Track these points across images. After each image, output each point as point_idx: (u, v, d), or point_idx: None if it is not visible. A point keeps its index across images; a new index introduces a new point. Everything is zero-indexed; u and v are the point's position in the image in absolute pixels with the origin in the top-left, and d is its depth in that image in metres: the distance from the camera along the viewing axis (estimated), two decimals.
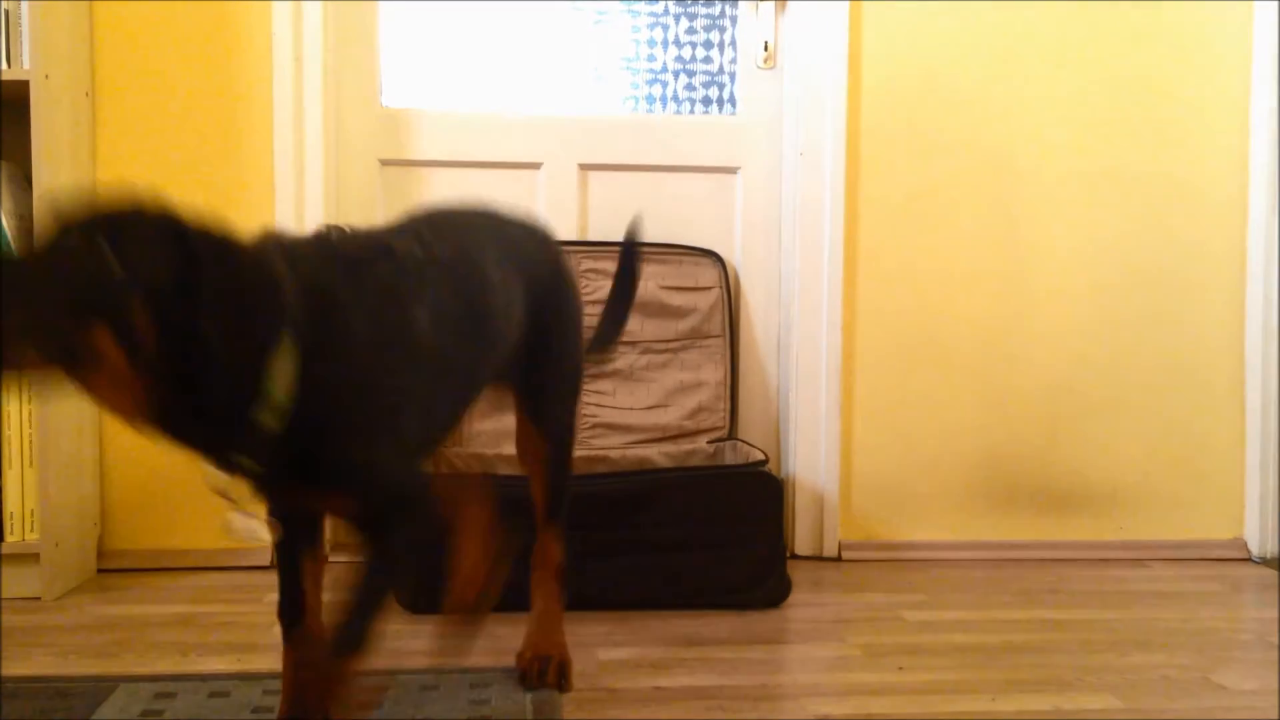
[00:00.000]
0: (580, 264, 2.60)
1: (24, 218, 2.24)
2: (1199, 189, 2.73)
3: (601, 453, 2.53)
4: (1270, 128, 2.68)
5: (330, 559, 1.52)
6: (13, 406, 2.18)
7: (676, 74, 2.73)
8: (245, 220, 2.41)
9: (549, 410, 1.72)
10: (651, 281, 2.62)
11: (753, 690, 1.74)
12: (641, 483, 2.19)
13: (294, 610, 1.44)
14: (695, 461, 2.53)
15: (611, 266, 2.61)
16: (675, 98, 2.74)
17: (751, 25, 2.71)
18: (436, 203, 1.61)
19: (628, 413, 2.59)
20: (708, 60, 2.73)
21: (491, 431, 2.54)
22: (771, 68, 2.71)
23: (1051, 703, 1.70)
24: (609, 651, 1.92)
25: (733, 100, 2.74)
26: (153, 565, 2.45)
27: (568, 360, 1.73)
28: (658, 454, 2.52)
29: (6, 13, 2.16)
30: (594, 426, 2.58)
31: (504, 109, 2.68)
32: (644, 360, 2.61)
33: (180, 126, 2.45)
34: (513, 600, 2.14)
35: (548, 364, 1.68)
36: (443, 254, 1.42)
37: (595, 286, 2.60)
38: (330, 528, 2.52)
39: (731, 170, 2.72)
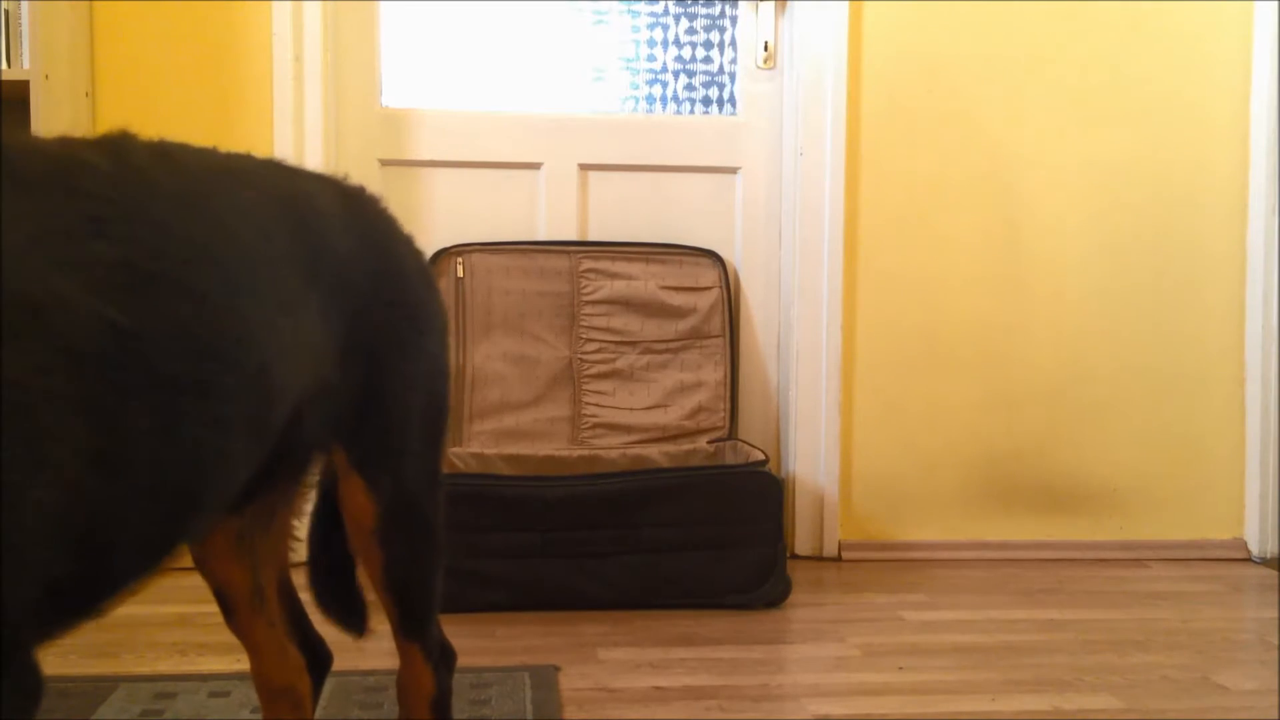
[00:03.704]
0: (580, 264, 2.60)
1: None
2: (1199, 188, 2.73)
3: (601, 453, 2.53)
4: (1270, 127, 2.68)
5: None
6: None
7: (676, 74, 2.73)
8: None
9: (385, 459, 1.13)
10: (651, 281, 2.62)
11: (753, 690, 1.74)
12: (641, 483, 2.19)
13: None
14: (695, 461, 2.53)
15: (612, 266, 2.61)
16: (675, 98, 2.74)
17: (751, 25, 2.71)
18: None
19: (627, 413, 2.59)
20: (708, 60, 2.73)
21: (492, 431, 2.54)
22: (771, 68, 2.71)
23: (1051, 703, 1.70)
24: (609, 651, 1.92)
25: (733, 100, 2.73)
26: None
27: (415, 389, 1.15)
28: (658, 454, 2.53)
29: (6, 13, 2.16)
30: (594, 426, 2.58)
31: (504, 109, 2.67)
32: (644, 360, 2.61)
33: (180, 126, 2.45)
34: (515, 601, 2.16)
35: (380, 394, 1.11)
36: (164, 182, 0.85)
37: (595, 287, 2.60)
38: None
39: (731, 170, 2.72)
